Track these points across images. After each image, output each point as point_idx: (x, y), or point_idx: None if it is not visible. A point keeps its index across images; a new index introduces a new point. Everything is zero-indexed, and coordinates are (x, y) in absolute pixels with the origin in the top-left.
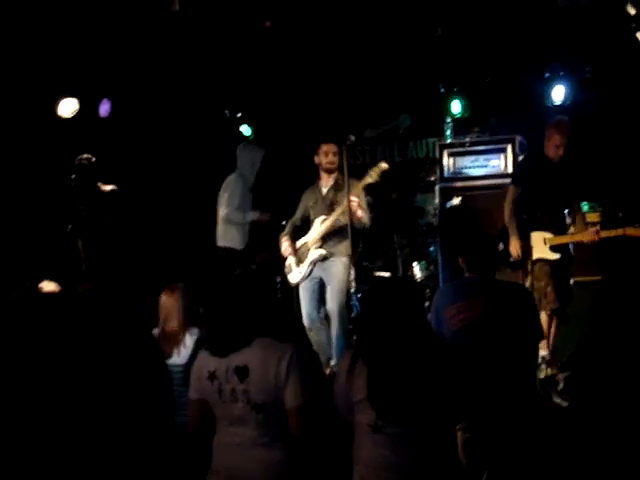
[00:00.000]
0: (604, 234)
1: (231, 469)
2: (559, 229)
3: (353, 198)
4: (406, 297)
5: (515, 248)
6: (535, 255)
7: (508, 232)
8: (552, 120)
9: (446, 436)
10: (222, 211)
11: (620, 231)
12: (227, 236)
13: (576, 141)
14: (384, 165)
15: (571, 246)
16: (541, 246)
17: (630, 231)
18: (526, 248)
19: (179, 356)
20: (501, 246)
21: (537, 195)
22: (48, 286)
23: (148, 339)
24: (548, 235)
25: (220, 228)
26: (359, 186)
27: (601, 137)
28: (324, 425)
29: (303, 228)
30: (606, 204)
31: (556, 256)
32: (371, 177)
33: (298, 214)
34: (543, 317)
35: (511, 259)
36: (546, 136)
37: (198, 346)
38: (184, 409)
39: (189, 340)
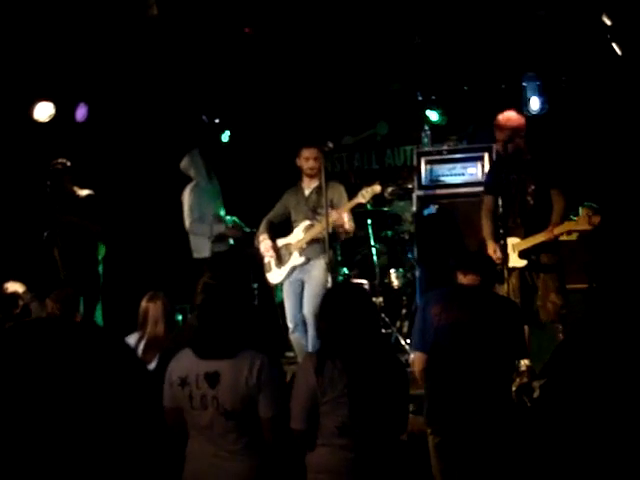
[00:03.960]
0: (559, 230)
1: (200, 477)
2: (528, 233)
3: (345, 215)
4: (356, 302)
5: (493, 251)
6: (510, 264)
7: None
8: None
9: (395, 441)
10: (186, 224)
11: (572, 223)
12: (197, 247)
13: (534, 140)
14: (378, 188)
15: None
16: (510, 254)
17: (578, 222)
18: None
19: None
20: None
21: (506, 200)
22: (13, 286)
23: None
24: (515, 240)
25: (191, 241)
26: (349, 205)
27: (576, 145)
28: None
29: (279, 226)
30: None
31: (523, 262)
32: (363, 197)
33: (276, 212)
34: None
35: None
36: None
37: (161, 354)
38: None
39: None
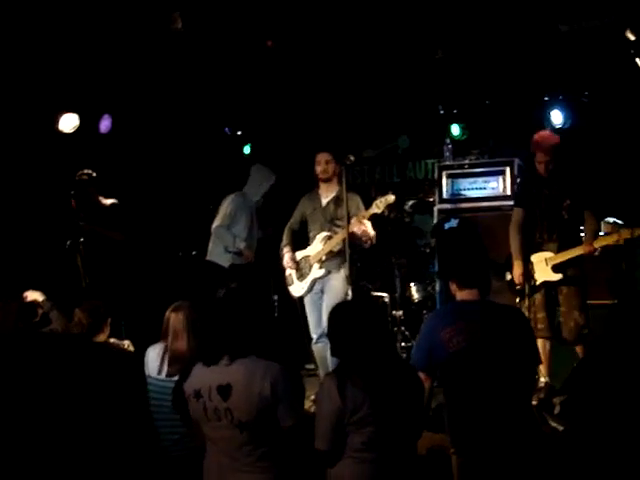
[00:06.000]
0: (599, 243)
1: None
2: (562, 247)
3: (367, 223)
4: (367, 318)
5: (517, 275)
6: (538, 279)
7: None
8: (533, 138)
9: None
10: (213, 224)
11: (615, 236)
12: (213, 252)
13: (567, 156)
14: (392, 197)
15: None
16: (542, 267)
17: (625, 234)
18: (528, 272)
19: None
20: (508, 276)
21: (535, 214)
22: (32, 295)
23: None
24: (549, 255)
25: (210, 243)
26: (364, 215)
27: (597, 159)
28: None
29: (300, 233)
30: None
31: (558, 276)
32: (377, 207)
33: (295, 219)
34: (539, 343)
35: (517, 287)
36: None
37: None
38: (178, 426)
39: None
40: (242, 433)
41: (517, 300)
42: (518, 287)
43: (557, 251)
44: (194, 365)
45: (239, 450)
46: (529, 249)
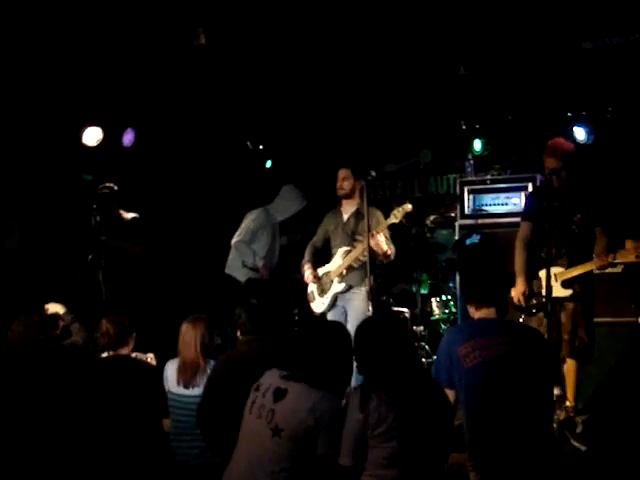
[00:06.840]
0: (612, 258)
1: None
2: (572, 262)
3: (380, 237)
4: (393, 334)
5: (518, 293)
6: (553, 294)
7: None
8: (545, 146)
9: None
10: (234, 238)
11: (626, 253)
12: (231, 265)
13: (582, 169)
14: (409, 207)
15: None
16: (553, 283)
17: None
18: (537, 288)
19: (198, 387)
20: (513, 293)
21: (544, 228)
22: (53, 307)
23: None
24: (558, 270)
25: (229, 257)
26: (383, 226)
27: (620, 176)
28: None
29: (323, 251)
30: None
31: (568, 292)
32: (395, 217)
33: (319, 236)
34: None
35: (521, 305)
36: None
37: (209, 380)
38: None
39: (207, 373)
40: (273, 437)
41: (521, 319)
42: (519, 305)
43: (567, 266)
44: (223, 381)
45: (263, 453)
46: (547, 263)
